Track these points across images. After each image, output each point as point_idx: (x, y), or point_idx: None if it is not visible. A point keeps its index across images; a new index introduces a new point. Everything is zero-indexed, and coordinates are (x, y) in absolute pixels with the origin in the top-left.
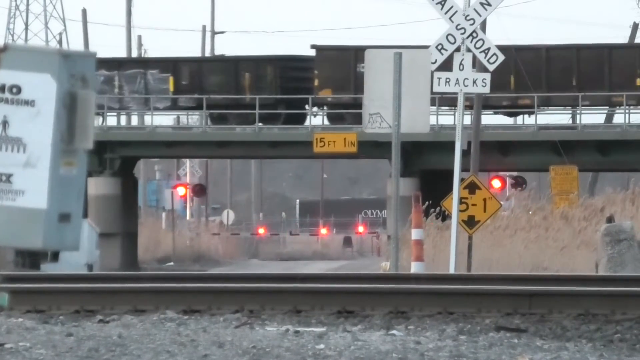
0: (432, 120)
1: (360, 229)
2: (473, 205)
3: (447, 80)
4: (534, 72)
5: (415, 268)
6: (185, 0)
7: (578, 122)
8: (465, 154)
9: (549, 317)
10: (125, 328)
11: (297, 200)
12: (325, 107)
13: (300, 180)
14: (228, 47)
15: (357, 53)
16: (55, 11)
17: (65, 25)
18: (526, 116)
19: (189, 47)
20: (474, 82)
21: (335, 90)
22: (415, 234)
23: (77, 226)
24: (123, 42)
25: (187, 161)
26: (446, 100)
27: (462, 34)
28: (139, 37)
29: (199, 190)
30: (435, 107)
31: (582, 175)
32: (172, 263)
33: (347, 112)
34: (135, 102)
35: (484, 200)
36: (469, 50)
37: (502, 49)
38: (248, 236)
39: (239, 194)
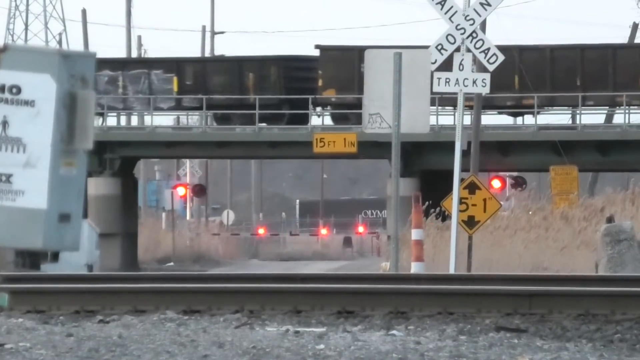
0: (432, 120)
1: (360, 229)
2: (473, 205)
3: (447, 80)
4: (538, 72)
5: (415, 268)
6: (185, 0)
7: (578, 122)
8: (465, 154)
9: (549, 317)
10: (126, 328)
11: (297, 201)
12: (329, 107)
13: (300, 180)
14: (228, 47)
15: (361, 53)
16: (55, 11)
17: (65, 26)
18: (526, 116)
19: (189, 48)
20: (474, 82)
21: (339, 91)
22: (415, 234)
23: (77, 226)
24: (123, 42)
25: (187, 161)
26: (448, 100)
27: (462, 34)
28: (139, 37)
29: (199, 190)
30: (435, 107)
31: (582, 176)
32: (172, 263)
33: (351, 112)
34: (140, 103)
35: (484, 200)
36: (468, 50)
37: (507, 49)
38: (248, 236)
39: (239, 194)
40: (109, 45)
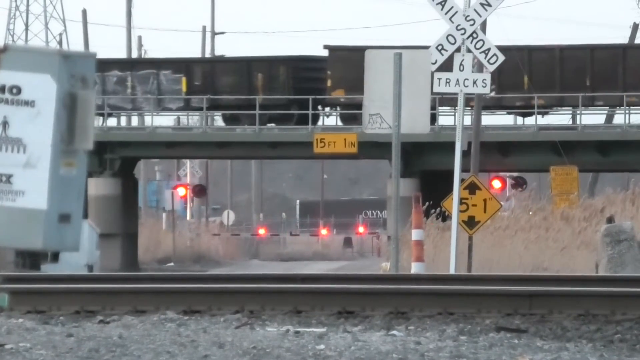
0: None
1: (361, 229)
2: (473, 205)
3: (447, 80)
4: (547, 72)
5: (415, 268)
6: (185, 1)
7: (578, 122)
8: (466, 154)
9: (549, 318)
10: (126, 328)
11: (298, 201)
12: (338, 108)
13: (301, 180)
14: (228, 47)
15: None
16: (55, 12)
17: (65, 26)
18: (526, 116)
19: (189, 48)
20: (474, 82)
21: (348, 91)
22: (415, 234)
23: (77, 227)
24: (123, 42)
25: (187, 162)
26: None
27: (462, 34)
28: (139, 38)
29: (199, 190)
30: (435, 108)
31: (582, 176)
32: (172, 264)
33: (360, 112)
34: (148, 103)
35: (484, 200)
36: (469, 50)
37: (516, 49)
38: (248, 237)
39: (239, 194)
40: (109, 45)
